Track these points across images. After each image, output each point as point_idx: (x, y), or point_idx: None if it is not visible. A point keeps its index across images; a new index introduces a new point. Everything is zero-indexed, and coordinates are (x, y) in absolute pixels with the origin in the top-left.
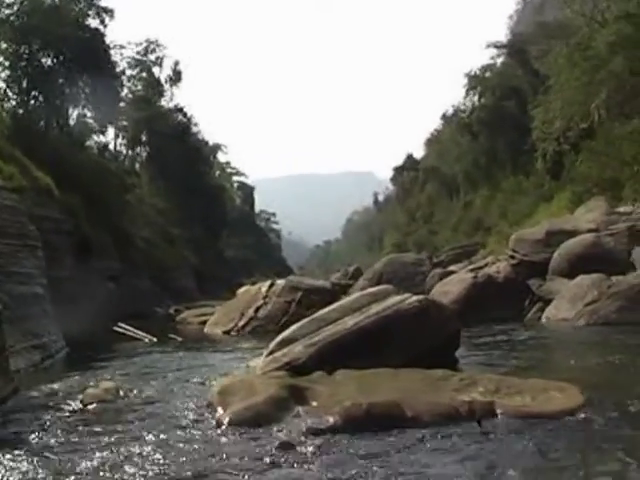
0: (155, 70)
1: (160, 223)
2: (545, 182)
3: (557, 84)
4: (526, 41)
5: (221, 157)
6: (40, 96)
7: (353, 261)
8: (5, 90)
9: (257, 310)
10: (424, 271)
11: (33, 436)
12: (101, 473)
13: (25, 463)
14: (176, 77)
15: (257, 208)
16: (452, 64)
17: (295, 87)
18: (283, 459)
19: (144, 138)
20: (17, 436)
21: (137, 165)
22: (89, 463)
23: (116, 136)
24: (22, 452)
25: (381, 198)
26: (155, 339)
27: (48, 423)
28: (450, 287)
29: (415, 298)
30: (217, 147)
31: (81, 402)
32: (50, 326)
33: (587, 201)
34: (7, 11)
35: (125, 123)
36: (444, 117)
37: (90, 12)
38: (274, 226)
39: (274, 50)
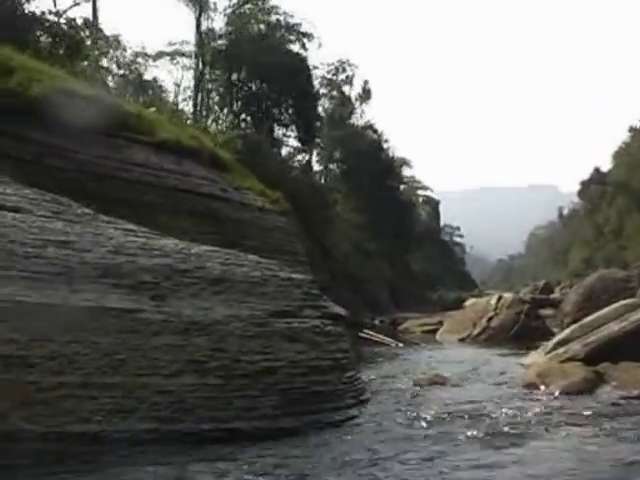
0: (345, 88)
1: (356, 237)
2: None
3: None
4: None
5: (406, 171)
6: (249, 118)
7: (536, 276)
8: (219, 114)
9: (489, 320)
10: (632, 287)
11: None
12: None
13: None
14: (366, 95)
15: (441, 222)
16: None
17: (478, 99)
18: (619, 413)
19: (338, 155)
20: (380, 403)
21: (328, 181)
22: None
23: (310, 153)
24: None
25: (566, 212)
26: (401, 344)
27: (406, 396)
28: None
29: None
30: (403, 162)
31: (414, 384)
32: None
33: None
34: (220, 41)
35: (318, 140)
36: (632, 129)
37: (292, 37)
38: (458, 240)
39: (456, 61)
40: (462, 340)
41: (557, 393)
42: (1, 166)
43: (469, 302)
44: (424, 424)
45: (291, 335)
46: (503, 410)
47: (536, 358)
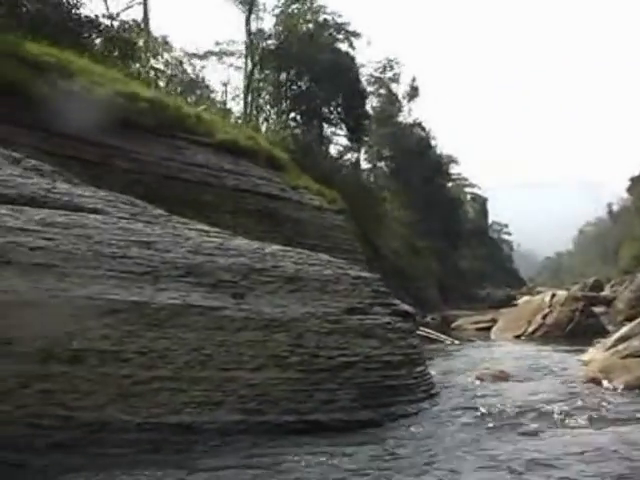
0: (392, 86)
1: (405, 235)
2: None
3: None
4: None
5: (454, 169)
6: (298, 117)
7: (585, 274)
8: (269, 112)
9: (544, 317)
10: None
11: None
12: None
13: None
14: (413, 93)
15: (489, 219)
16: None
17: (524, 95)
18: None
19: (386, 153)
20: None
21: (377, 179)
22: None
23: (359, 151)
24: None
25: (615, 209)
26: (457, 341)
27: (471, 390)
28: None
29: None
30: (451, 159)
31: (477, 379)
32: None
33: None
34: (269, 41)
35: (366, 138)
36: None
37: (340, 36)
38: (506, 237)
39: (501, 52)
40: (517, 337)
41: (621, 388)
42: (70, 168)
43: (522, 300)
44: (493, 417)
45: (364, 331)
46: (570, 404)
47: (595, 354)
